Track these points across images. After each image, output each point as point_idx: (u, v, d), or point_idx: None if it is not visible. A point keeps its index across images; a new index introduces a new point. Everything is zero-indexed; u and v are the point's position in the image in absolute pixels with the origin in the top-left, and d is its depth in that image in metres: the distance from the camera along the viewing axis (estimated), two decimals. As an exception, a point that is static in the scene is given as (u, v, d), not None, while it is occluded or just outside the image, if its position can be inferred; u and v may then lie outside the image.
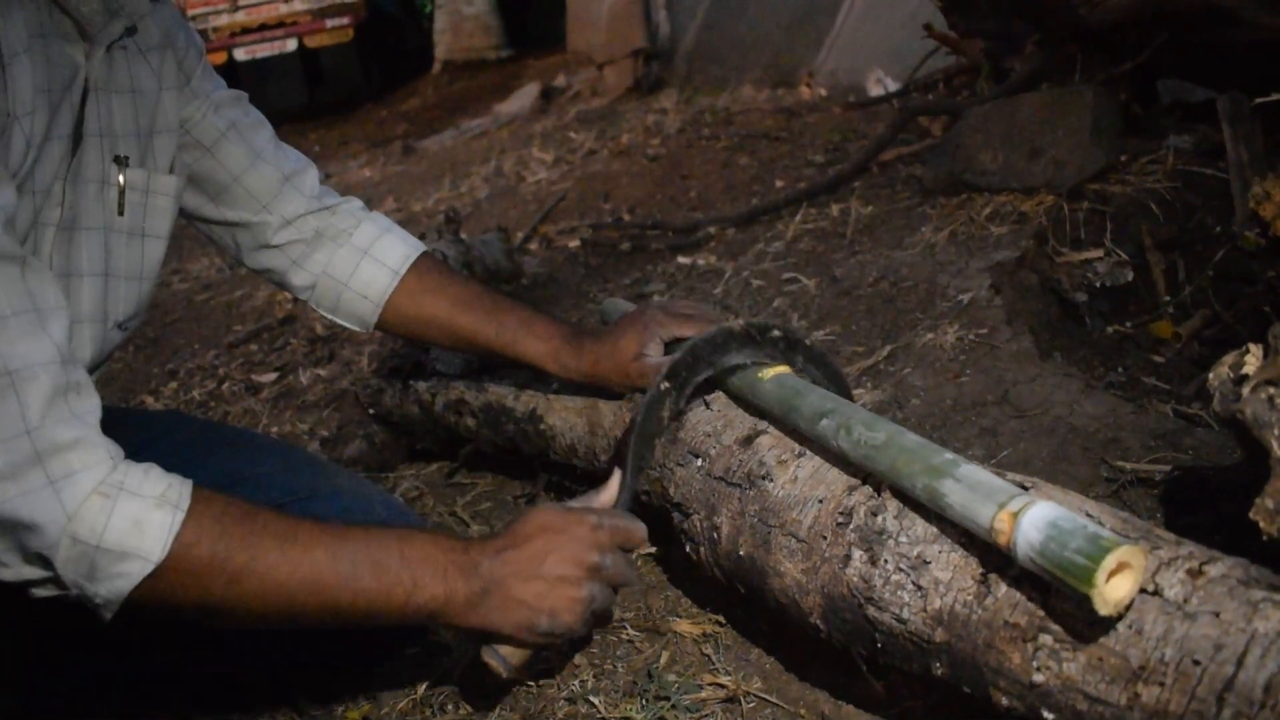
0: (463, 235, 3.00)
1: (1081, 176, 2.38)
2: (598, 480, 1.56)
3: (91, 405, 1.04)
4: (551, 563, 1.16)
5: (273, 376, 3.14)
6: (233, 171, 1.46)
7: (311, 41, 11.01)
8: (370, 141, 8.80)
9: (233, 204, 1.48)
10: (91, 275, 1.27)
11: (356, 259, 1.53)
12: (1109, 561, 0.80)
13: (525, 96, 8.22)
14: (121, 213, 1.29)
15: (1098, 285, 2.17)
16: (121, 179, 1.28)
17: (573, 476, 1.72)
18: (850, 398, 1.37)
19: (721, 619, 1.39)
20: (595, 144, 4.89)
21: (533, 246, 3.50)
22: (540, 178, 4.51)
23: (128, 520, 1.01)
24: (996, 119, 2.51)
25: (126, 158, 1.28)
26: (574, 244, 3.25)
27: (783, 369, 1.31)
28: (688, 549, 1.35)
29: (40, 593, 1.05)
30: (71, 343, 1.08)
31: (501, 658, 1.21)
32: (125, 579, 1.02)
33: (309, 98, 11.44)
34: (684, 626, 1.39)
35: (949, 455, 0.99)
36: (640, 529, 1.23)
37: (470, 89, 10.45)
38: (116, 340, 1.35)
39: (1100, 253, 2.21)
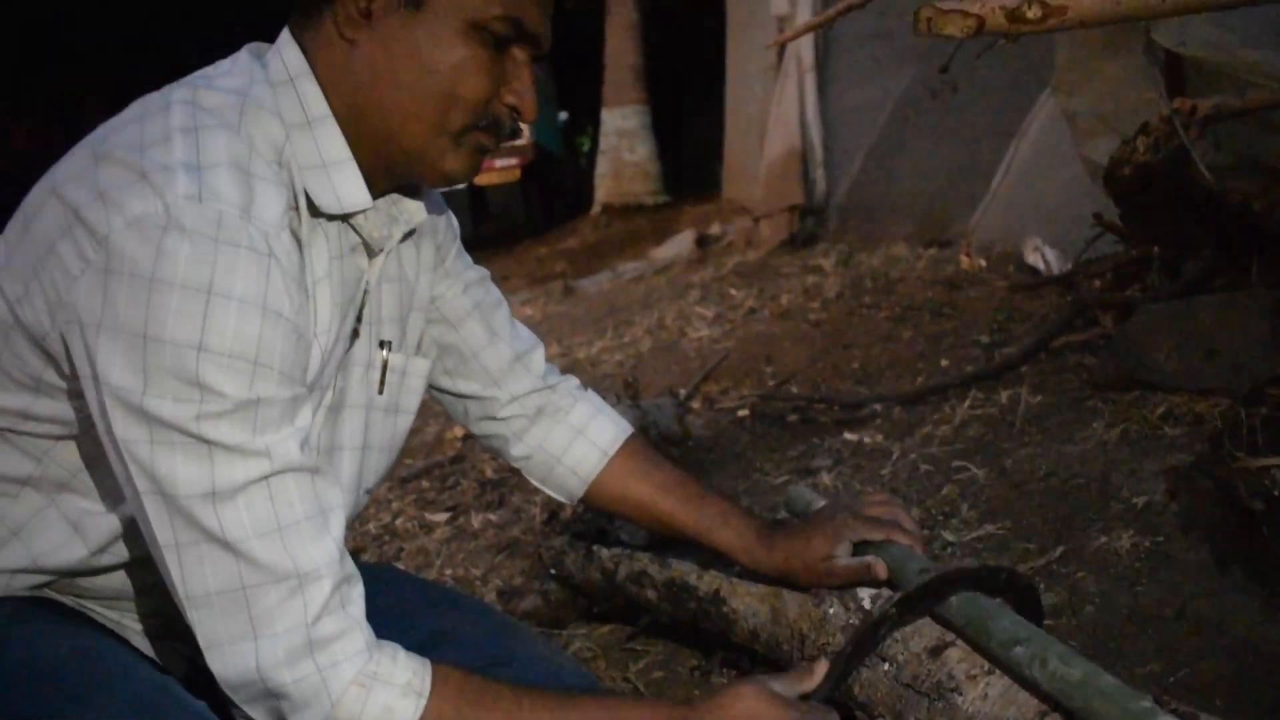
0: (639, 401, 3.15)
1: (1259, 381, 2.38)
2: (774, 666, 1.63)
3: (358, 594, 1.19)
4: None
5: (444, 516, 3.30)
6: (472, 348, 1.58)
7: (481, 180, 11.63)
8: (530, 278, 9.19)
9: (468, 377, 1.61)
10: (351, 449, 1.40)
11: (571, 437, 1.65)
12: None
13: (680, 244, 8.49)
14: (381, 391, 1.43)
15: (1276, 494, 2.16)
16: (385, 362, 1.42)
17: (749, 657, 1.79)
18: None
19: (899, 822, 1.42)
20: (755, 303, 5.04)
21: (695, 405, 3.63)
22: (702, 334, 4.67)
23: (380, 707, 1.14)
24: (1171, 318, 2.54)
25: (390, 342, 1.42)
26: (742, 412, 3.36)
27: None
28: (871, 751, 1.40)
29: None
30: None
31: None
32: None
33: (474, 231, 12.04)
34: (862, 826, 1.42)
35: (1147, 703, 1.04)
36: None
37: (626, 231, 10.81)
38: (363, 504, 1.49)
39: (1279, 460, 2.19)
